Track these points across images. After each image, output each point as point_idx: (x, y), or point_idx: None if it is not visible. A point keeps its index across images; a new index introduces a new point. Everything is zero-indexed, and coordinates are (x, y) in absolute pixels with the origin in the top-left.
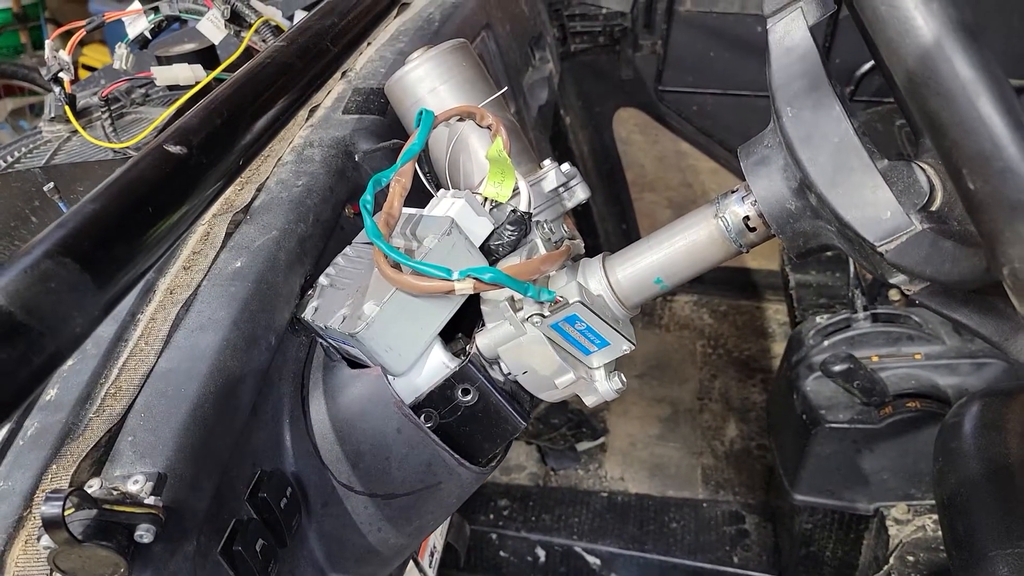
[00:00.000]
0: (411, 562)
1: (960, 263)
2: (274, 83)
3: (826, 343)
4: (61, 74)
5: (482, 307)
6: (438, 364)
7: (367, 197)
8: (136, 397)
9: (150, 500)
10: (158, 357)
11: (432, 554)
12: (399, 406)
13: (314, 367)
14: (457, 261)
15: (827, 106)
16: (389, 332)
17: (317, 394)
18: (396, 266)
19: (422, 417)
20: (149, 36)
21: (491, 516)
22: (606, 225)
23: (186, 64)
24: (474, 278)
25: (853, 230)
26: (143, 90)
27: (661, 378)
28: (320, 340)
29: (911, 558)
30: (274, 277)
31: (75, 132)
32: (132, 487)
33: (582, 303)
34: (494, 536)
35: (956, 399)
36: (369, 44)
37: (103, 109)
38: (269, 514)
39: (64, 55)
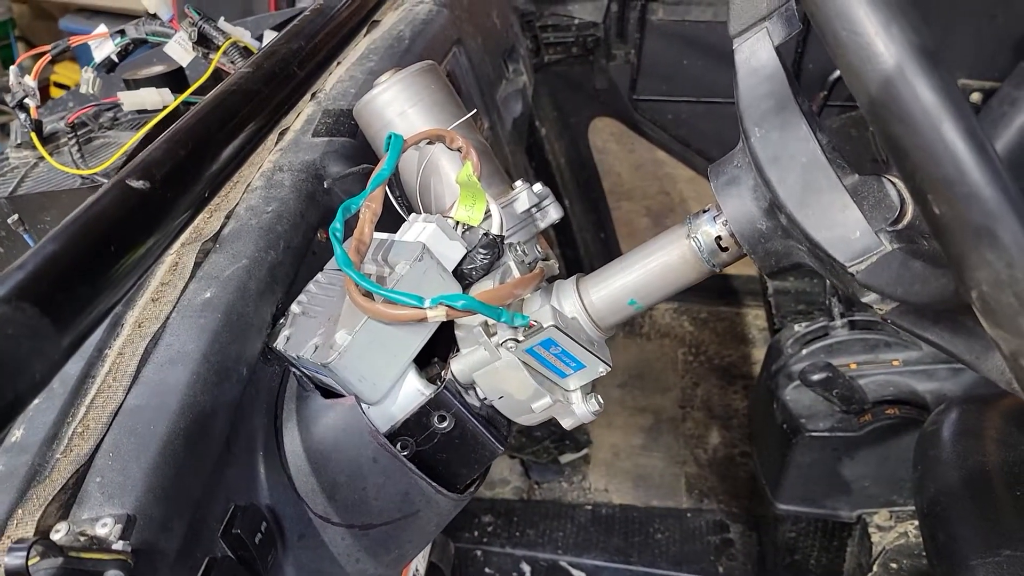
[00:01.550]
0: None
1: (930, 284)
2: (239, 111)
3: (804, 352)
4: (27, 100)
5: (456, 332)
6: (413, 391)
7: (336, 225)
8: (104, 436)
9: (118, 545)
10: (126, 393)
11: (415, 575)
12: (374, 435)
13: (287, 397)
14: (429, 287)
15: (794, 126)
16: (362, 361)
17: (291, 425)
18: (368, 294)
19: (398, 445)
20: (116, 60)
21: (475, 533)
22: (585, 235)
23: (153, 88)
24: (446, 305)
25: (823, 251)
26: (111, 114)
27: (643, 387)
28: (293, 370)
29: (894, 565)
30: (244, 307)
31: (42, 158)
32: (100, 530)
33: (556, 327)
34: (479, 553)
35: (935, 404)
36: (339, 64)
37: (69, 135)
38: (243, 550)
39: (29, 80)
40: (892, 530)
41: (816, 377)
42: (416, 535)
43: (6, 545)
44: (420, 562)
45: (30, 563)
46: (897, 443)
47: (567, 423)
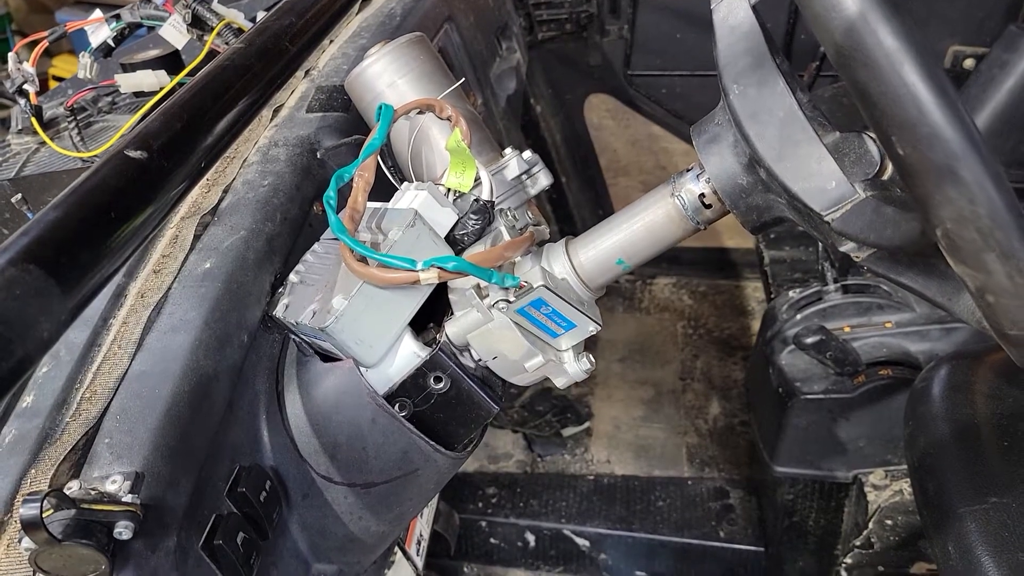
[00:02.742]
0: (399, 551)
1: (900, 227)
2: (233, 85)
3: (799, 316)
4: (26, 86)
5: (450, 296)
6: (409, 354)
7: (330, 193)
8: (111, 400)
9: (128, 498)
10: (131, 360)
11: (419, 542)
12: (372, 397)
13: (288, 363)
14: (422, 252)
15: (771, 83)
16: (358, 325)
17: (292, 389)
18: (362, 260)
19: (396, 406)
20: (112, 44)
21: (480, 504)
22: (582, 212)
23: (150, 70)
24: (438, 267)
25: (801, 201)
26: (110, 98)
27: (643, 361)
28: (293, 336)
29: (889, 522)
30: (244, 276)
31: (43, 143)
32: (110, 487)
33: (546, 287)
34: (483, 523)
35: (927, 364)
36: (331, 42)
37: (69, 119)
38: (249, 508)
39: (28, 67)
40: (887, 488)
41: (810, 340)
42: (416, 493)
43: (21, 501)
44: (424, 528)
45: (44, 515)
46: (890, 403)
47: (560, 382)
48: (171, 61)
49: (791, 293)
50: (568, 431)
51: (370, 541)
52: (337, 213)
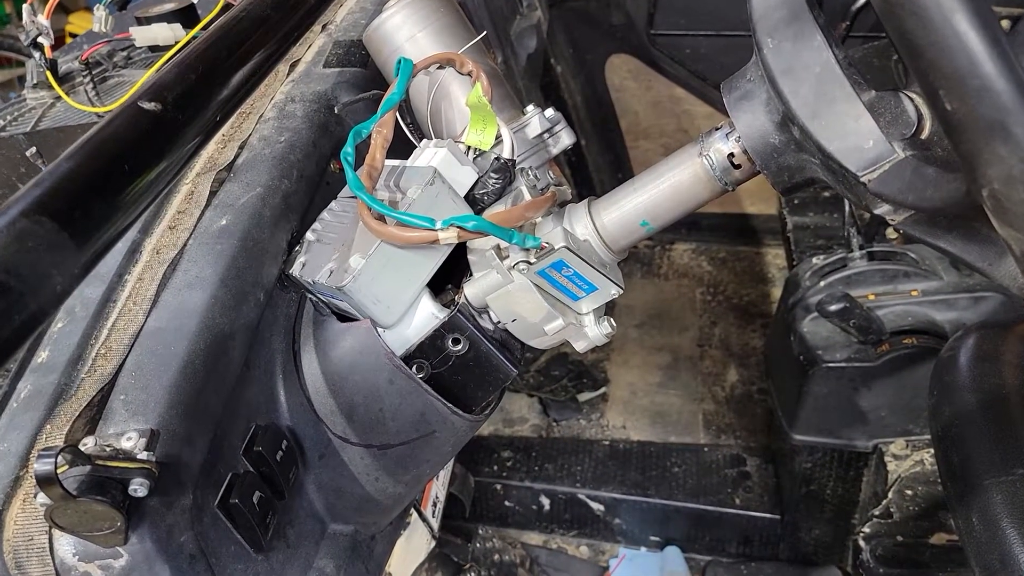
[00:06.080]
0: (415, 513)
1: (942, 188)
2: (249, 37)
3: (822, 283)
4: (40, 39)
5: (469, 257)
6: (427, 315)
7: (348, 149)
8: (127, 356)
9: (143, 455)
10: (147, 316)
11: (435, 504)
12: (390, 357)
13: (304, 322)
14: (441, 211)
15: (808, 36)
16: (376, 284)
17: (308, 349)
18: (380, 218)
19: (413, 368)
20: None
21: (495, 468)
22: (601, 175)
23: (165, 24)
24: (457, 227)
25: (836, 161)
26: (125, 53)
27: (661, 327)
28: (309, 296)
29: (909, 492)
30: (260, 234)
31: (59, 98)
32: (126, 444)
33: (568, 248)
34: (499, 487)
35: (953, 334)
36: None
37: (84, 73)
38: (265, 467)
39: (42, 19)
40: (908, 458)
41: (833, 308)
42: (433, 455)
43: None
44: (440, 490)
45: (59, 471)
46: (914, 373)
47: (580, 346)
48: (187, 14)
49: (815, 259)
50: (584, 396)
51: (386, 502)
52: (355, 170)
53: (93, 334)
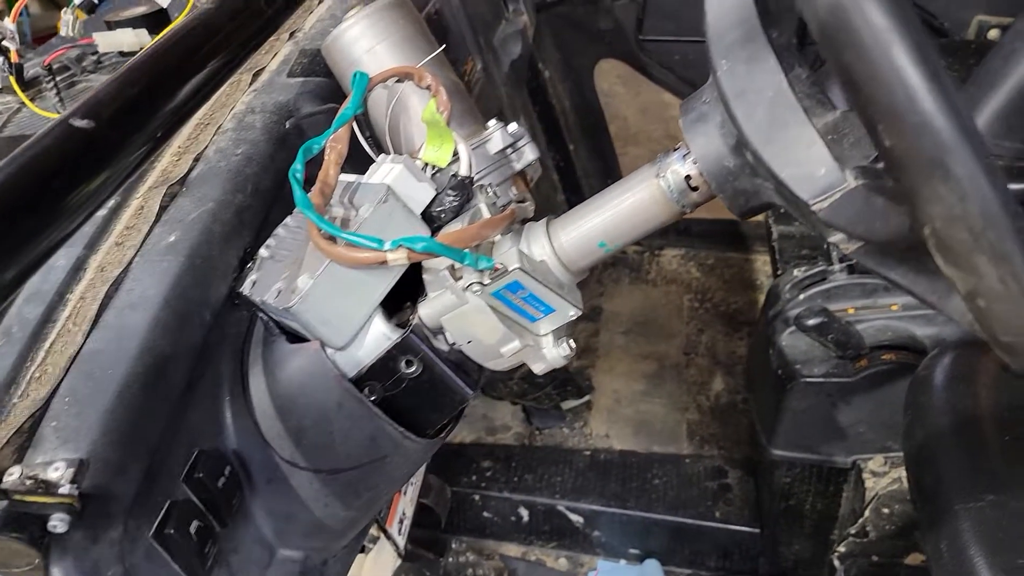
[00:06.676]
0: (381, 532)
1: (890, 221)
2: (199, 48)
3: (802, 296)
4: (5, 42)
5: (424, 276)
6: (379, 336)
7: (297, 166)
8: (61, 380)
9: (65, 489)
10: (85, 338)
11: (401, 520)
12: (339, 380)
13: (254, 342)
14: (395, 229)
15: (762, 59)
16: (325, 305)
17: (257, 370)
18: (330, 237)
19: (365, 390)
20: (96, 0)
21: (474, 478)
22: (590, 180)
23: (130, 29)
24: (407, 248)
25: (788, 188)
26: (95, 57)
27: (647, 334)
28: (260, 314)
29: (886, 510)
30: (209, 251)
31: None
32: (52, 474)
33: (522, 270)
34: (477, 497)
35: (933, 349)
36: (321, 2)
37: (48, 79)
38: (206, 494)
39: (8, 23)
40: (886, 475)
41: (811, 322)
42: (385, 480)
43: None
44: (408, 507)
45: None
46: (893, 389)
47: (538, 368)
48: (157, 19)
49: (795, 272)
50: (568, 404)
51: (338, 527)
52: (304, 188)
53: (29, 356)
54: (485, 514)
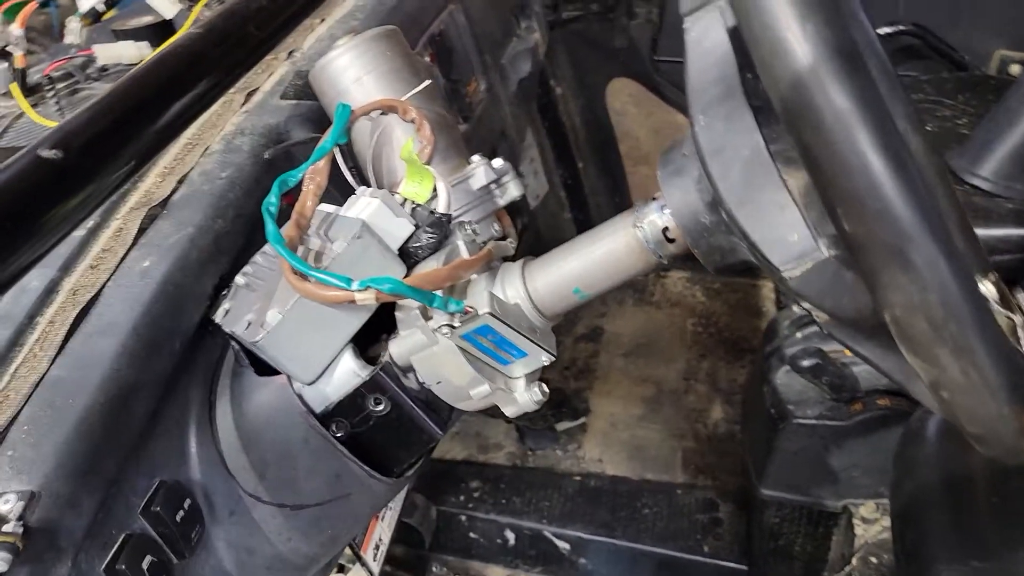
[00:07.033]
0: (356, 560)
1: (857, 299)
2: (181, 75)
3: (799, 335)
4: (9, 48)
5: (396, 313)
6: (348, 372)
7: (271, 199)
8: (22, 408)
9: (9, 527)
10: (51, 364)
11: (377, 547)
12: (305, 416)
13: (224, 372)
14: (369, 266)
15: (739, 117)
16: (293, 340)
17: (224, 400)
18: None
19: (332, 427)
20: (101, 9)
21: (462, 498)
22: (599, 199)
23: (130, 41)
24: (375, 289)
25: (759, 252)
26: (99, 65)
27: (648, 357)
28: (233, 343)
29: (874, 559)
30: (183, 278)
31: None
32: (2, 507)
33: (492, 314)
34: (463, 518)
35: None
36: (323, 21)
37: (48, 87)
38: (164, 527)
39: (15, 29)
40: (876, 523)
41: (806, 363)
42: (348, 518)
43: None
44: (384, 532)
45: None
46: (887, 435)
47: (509, 411)
48: (162, 30)
49: (795, 307)
50: (562, 425)
51: (300, 562)
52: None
53: None
54: (471, 535)
